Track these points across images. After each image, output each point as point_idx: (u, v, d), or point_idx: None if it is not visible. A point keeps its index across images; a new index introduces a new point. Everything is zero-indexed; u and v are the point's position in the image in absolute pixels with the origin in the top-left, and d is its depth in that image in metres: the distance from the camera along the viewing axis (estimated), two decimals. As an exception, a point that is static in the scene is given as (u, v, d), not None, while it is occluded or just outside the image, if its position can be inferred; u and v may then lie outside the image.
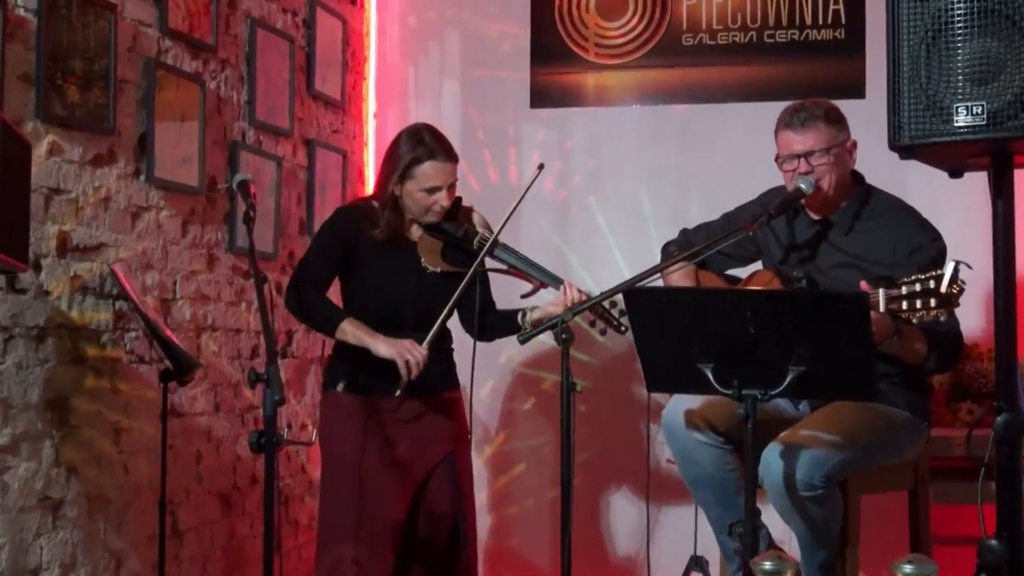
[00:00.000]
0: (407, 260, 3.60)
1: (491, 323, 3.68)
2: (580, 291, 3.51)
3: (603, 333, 3.59)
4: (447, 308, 3.45)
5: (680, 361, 2.95)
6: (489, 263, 3.58)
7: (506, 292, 3.73)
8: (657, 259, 3.75)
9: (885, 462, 3.36)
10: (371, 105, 5.35)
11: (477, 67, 5.30)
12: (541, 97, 5.22)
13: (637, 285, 3.18)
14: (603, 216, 5.12)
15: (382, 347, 3.43)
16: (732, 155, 4.92)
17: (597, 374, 5.00)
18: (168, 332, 3.55)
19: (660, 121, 5.12)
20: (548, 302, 3.56)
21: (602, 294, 3.34)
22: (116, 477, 3.58)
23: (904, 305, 2.89)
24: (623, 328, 3.50)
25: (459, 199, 3.67)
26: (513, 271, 3.61)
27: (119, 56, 3.58)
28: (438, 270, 3.58)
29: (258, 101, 4.37)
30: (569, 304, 3.43)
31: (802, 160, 3.34)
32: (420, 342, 3.43)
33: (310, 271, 3.60)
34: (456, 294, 3.45)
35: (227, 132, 4.21)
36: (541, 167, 3.49)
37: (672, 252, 3.66)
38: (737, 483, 3.30)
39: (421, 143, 3.55)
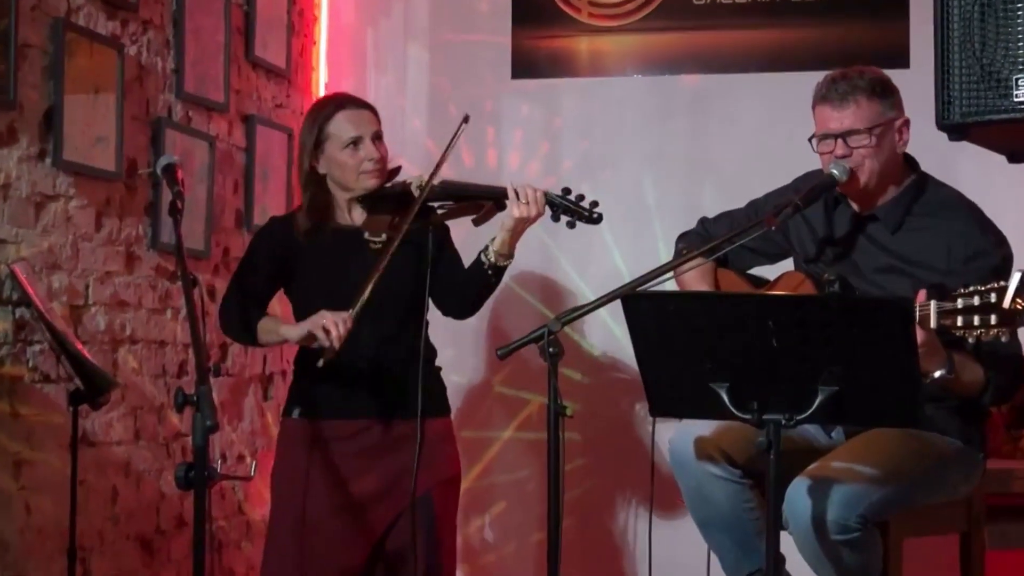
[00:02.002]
0: (354, 247, 3.61)
1: (461, 288, 3.67)
2: (534, 188, 3.51)
3: (571, 226, 3.57)
4: (390, 249, 3.43)
5: (690, 380, 2.95)
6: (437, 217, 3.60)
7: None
8: (663, 258, 3.75)
9: (933, 500, 3.37)
10: (322, 75, 5.35)
11: (448, 30, 5.30)
12: (525, 66, 5.23)
13: (639, 289, 3.17)
14: (599, 207, 5.11)
15: (294, 332, 3.52)
16: (751, 134, 4.94)
17: (591, 395, 5.01)
18: (79, 345, 3.54)
19: (666, 94, 5.13)
20: (506, 216, 3.54)
21: (596, 301, 3.33)
22: (16, 518, 3.56)
23: (959, 321, 2.88)
24: (596, 215, 3.52)
25: (398, 168, 3.70)
26: (462, 206, 3.60)
27: (21, 16, 3.57)
28: (382, 237, 3.58)
29: (187, 70, 4.36)
30: (523, 205, 3.45)
31: (839, 141, 3.31)
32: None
33: (239, 286, 3.72)
34: (402, 229, 3.44)
35: (150, 107, 4.20)
36: (466, 119, 3.50)
37: (685, 247, 3.66)
38: (757, 524, 3.30)
39: (325, 105, 3.71)
